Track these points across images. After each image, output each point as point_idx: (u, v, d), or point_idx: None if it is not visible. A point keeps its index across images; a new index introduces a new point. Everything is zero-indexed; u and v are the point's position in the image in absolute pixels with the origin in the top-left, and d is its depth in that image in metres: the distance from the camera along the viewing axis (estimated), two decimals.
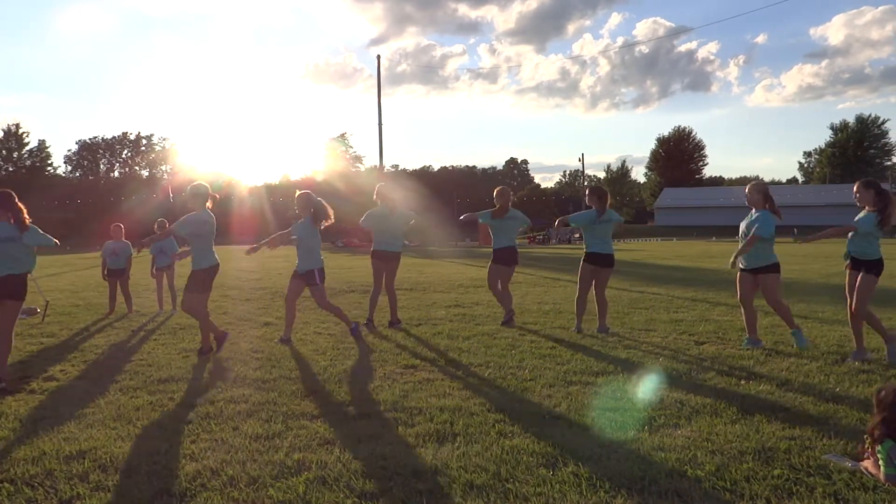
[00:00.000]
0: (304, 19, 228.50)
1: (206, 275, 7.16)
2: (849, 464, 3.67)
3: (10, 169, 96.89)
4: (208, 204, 7.37)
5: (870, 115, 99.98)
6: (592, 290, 8.39)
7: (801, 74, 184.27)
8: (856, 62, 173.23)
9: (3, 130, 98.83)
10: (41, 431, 4.48)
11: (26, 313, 10.63)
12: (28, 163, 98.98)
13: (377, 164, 51.13)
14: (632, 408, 4.86)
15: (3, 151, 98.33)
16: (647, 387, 5.48)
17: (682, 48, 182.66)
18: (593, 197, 8.42)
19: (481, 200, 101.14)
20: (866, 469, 3.57)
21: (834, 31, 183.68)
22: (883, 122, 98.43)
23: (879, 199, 6.37)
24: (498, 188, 9.27)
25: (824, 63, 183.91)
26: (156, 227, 11.75)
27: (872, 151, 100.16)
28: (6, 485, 3.59)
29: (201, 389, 5.61)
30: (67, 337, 8.52)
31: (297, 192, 8.30)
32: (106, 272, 11.25)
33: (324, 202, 8.14)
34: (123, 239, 11.38)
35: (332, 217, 8.09)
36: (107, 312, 10.75)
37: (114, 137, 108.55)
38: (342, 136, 77.29)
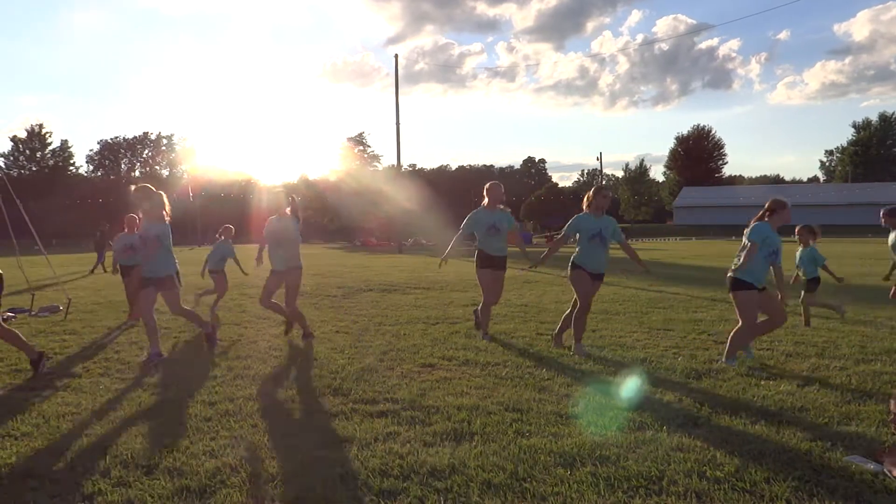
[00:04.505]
0: (322, 18, 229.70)
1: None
2: (871, 465, 3.63)
3: (34, 168, 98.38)
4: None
5: (893, 114, 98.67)
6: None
7: (825, 71, 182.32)
8: (881, 59, 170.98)
9: (26, 130, 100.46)
10: (64, 427, 4.55)
11: (49, 311, 10.78)
12: (51, 162, 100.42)
13: (394, 163, 51.28)
14: (650, 408, 4.83)
15: (27, 151, 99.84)
16: (665, 386, 5.44)
17: (703, 45, 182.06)
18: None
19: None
20: (889, 471, 3.52)
21: (858, 26, 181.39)
22: None
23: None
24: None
25: (848, 60, 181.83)
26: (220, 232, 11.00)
27: None
28: (30, 479, 3.64)
29: (221, 387, 5.66)
30: (89, 334, 8.62)
31: (279, 189, 8.29)
32: (118, 269, 10.27)
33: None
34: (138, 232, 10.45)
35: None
36: (129, 315, 9.81)
37: (135, 137, 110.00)
38: (360, 135, 77.41)
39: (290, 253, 7.82)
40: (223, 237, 10.87)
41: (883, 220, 8.11)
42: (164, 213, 6.99)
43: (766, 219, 6.21)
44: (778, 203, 6.22)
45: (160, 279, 6.90)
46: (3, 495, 3.47)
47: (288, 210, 7.93)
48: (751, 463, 3.72)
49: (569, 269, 7.07)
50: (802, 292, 8.79)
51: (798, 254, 8.97)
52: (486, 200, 7.86)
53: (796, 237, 8.99)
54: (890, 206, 8.28)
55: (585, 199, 7.17)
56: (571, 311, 7.13)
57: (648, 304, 10.82)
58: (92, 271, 22.26)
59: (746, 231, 6.20)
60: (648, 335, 7.94)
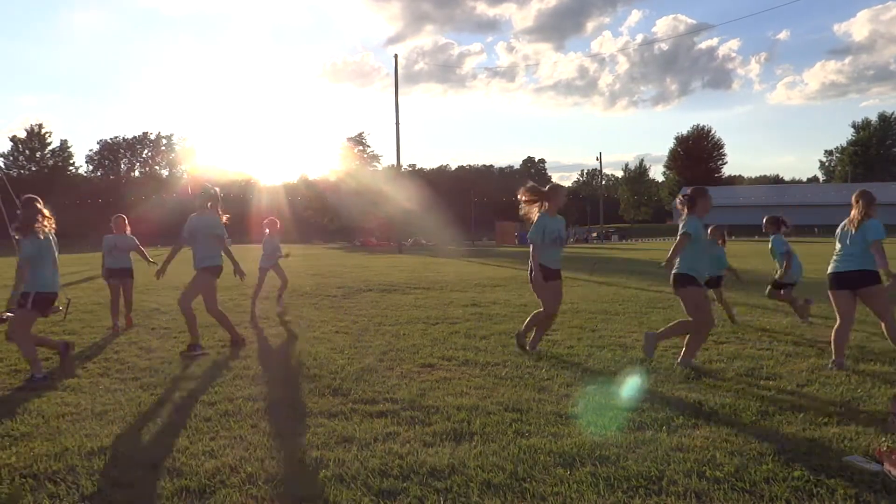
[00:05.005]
0: (322, 18, 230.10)
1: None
2: (871, 466, 3.62)
3: (34, 169, 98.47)
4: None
5: (893, 114, 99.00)
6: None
7: (825, 71, 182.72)
8: (881, 58, 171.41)
9: (25, 131, 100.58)
10: (63, 427, 4.54)
11: (49, 311, 10.76)
12: (50, 162, 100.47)
13: (394, 163, 51.28)
14: (649, 408, 4.83)
15: (27, 151, 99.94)
16: (665, 387, 5.44)
17: (703, 45, 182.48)
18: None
19: (498, 200, 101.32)
20: (889, 471, 3.52)
21: (858, 26, 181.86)
22: None
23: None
24: None
25: (848, 60, 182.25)
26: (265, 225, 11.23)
27: None
28: (29, 480, 3.64)
29: (220, 387, 5.65)
30: (89, 334, 8.61)
31: (195, 183, 7.71)
32: (106, 272, 9.45)
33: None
34: (128, 233, 9.60)
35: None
36: (111, 328, 8.91)
37: (134, 137, 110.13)
38: (359, 135, 77.43)
39: (202, 253, 7.33)
40: (269, 232, 11.14)
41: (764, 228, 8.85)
42: (38, 225, 6.13)
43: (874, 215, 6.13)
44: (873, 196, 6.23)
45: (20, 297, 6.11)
46: (3, 495, 3.47)
47: (209, 205, 7.48)
48: (750, 463, 3.72)
49: (683, 282, 6.19)
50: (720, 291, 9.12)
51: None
52: (522, 206, 7.18)
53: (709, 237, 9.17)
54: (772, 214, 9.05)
55: (681, 200, 6.47)
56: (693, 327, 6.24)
57: (648, 304, 10.82)
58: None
59: (869, 230, 6.00)
60: None
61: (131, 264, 9.53)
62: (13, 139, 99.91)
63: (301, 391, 5.44)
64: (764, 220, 9.22)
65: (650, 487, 3.43)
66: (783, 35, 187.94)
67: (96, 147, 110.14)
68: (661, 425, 4.40)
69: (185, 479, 3.61)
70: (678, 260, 6.27)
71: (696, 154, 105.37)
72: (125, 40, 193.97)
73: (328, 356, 6.88)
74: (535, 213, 7.06)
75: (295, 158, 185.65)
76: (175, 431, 4.43)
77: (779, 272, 8.87)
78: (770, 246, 9.04)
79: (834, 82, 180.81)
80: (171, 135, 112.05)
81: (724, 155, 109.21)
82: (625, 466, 3.69)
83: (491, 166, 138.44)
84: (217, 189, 7.66)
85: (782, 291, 8.90)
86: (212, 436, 4.33)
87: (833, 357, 6.12)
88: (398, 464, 3.78)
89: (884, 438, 3.93)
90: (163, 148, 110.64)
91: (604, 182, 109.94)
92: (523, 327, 7.22)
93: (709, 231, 9.22)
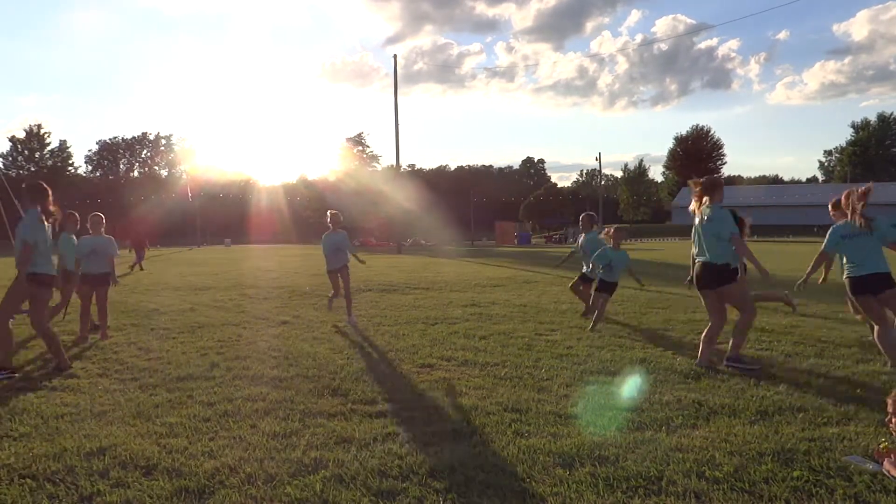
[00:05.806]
0: (321, 18, 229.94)
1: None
2: (870, 466, 3.62)
3: (32, 169, 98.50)
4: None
5: (892, 114, 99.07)
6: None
7: (824, 71, 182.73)
8: (880, 59, 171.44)
9: (24, 131, 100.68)
10: (62, 428, 4.54)
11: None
12: (49, 163, 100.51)
13: (393, 163, 51.31)
14: (649, 408, 4.83)
15: (26, 151, 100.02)
16: (664, 387, 5.44)
17: (703, 45, 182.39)
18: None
19: (497, 200, 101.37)
20: (888, 471, 3.52)
21: (858, 27, 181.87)
22: None
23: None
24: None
25: (847, 60, 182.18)
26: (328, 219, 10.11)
27: (895, 150, 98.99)
28: (28, 480, 3.63)
29: (219, 387, 5.65)
30: (88, 335, 8.59)
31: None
32: (80, 278, 8.41)
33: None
34: (104, 233, 8.57)
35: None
36: (76, 338, 8.13)
37: (133, 137, 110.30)
38: (359, 135, 77.58)
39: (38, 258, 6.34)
40: (332, 227, 9.96)
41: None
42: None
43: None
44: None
45: None
46: (3, 496, 3.46)
47: (34, 203, 6.48)
48: (749, 463, 3.72)
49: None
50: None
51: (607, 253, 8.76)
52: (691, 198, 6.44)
53: (611, 238, 8.80)
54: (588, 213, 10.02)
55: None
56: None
57: (647, 305, 10.82)
58: (132, 269, 22.51)
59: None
60: (648, 335, 7.94)
61: (110, 269, 8.50)
62: (12, 139, 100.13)
63: (300, 391, 5.44)
64: (581, 217, 10.04)
65: (649, 487, 3.43)
66: (783, 35, 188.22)
67: (95, 147, 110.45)
68: (660, 425, 4.40)
69: (185, 479, 3.61)
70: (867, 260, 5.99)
71: (696, 154, 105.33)
72: (125, 40, 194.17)
73: (328, 356, 6.87)
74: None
75: (294, 159, 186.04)
76: (174, 432, 4.43)
77: (591, 267, 9.21)
78: (583, 242, 9.64)
79: (833, 82, 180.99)
80: (171, 135, 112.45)
81: (723, 155, 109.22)
82: (624, 467, 3.69)
83: (490, 166, 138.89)
84: (40, 183, 6.58)
85: (588, 286, 9.51)
86: (211, 436, 4.33)
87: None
88: (398, 464, 3.77)
89: (883, 438, 3.93)
90: (162, 148, 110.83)
91: (603, 182, 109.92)
92: (734, 349, 6.17)
93: (612, 232, 8.85)
